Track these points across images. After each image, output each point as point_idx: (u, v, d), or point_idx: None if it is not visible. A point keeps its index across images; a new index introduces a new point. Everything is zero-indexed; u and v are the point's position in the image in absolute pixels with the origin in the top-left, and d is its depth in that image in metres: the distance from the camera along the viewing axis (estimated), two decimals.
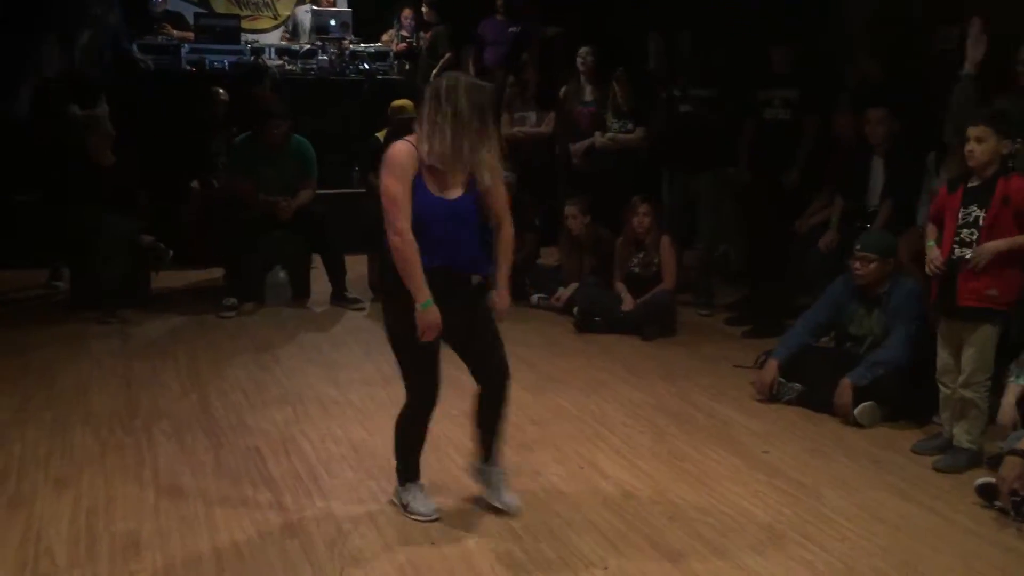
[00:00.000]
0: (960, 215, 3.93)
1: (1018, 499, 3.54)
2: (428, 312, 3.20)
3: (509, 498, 3.56)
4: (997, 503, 3.60)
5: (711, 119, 6.32)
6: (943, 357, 4.09)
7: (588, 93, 7.37)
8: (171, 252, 6.42)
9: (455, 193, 3.29)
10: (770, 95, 6.24)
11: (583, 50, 7.37)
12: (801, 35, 6.46)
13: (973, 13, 5.99)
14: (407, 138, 3.28)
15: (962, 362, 3.98)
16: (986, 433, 4.07)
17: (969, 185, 3.93)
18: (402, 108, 6.69)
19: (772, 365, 4.78)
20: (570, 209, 6.46)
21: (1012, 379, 3.98)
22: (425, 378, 3.40)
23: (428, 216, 3.23)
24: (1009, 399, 3.91)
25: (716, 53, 6.79)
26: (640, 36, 7.38)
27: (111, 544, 3.24)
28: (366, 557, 3.21)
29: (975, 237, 3.87)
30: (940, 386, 4.13)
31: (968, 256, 3.87)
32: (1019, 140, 3.98)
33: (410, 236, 3.18)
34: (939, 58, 6.14)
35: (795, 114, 6.14)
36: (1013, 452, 3.50)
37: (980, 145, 3.83)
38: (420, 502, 3.50)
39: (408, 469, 3.53)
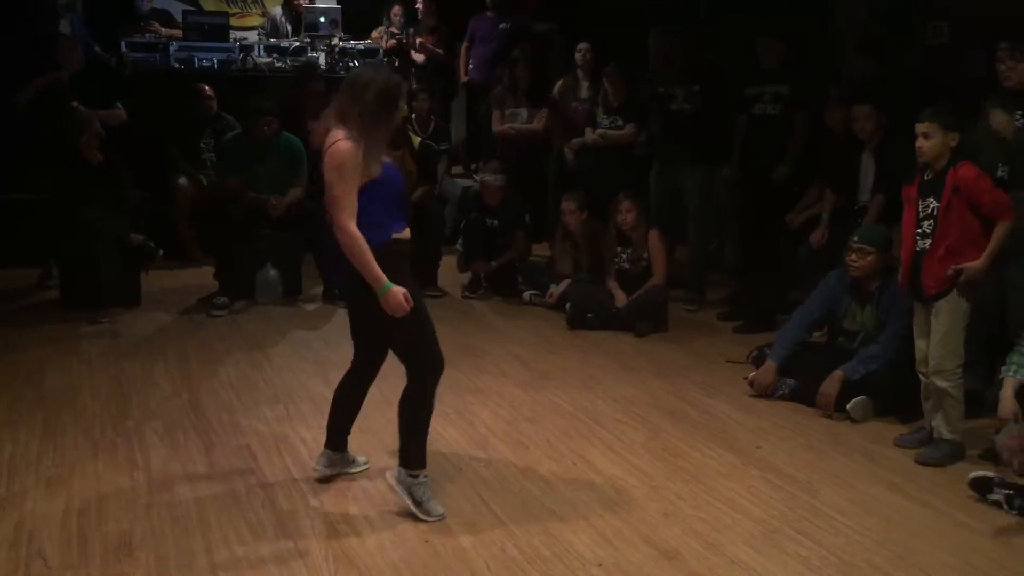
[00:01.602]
0: (920, 207, 4.04)
1: (1011, 492, 3.56)
2: (395, 288, 3.28)
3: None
4: (990, 496, 3.61)
5: (699, 116, 6.33)
6: (919, 346, 4.14)
7: (585, 90, 7.36)
8: (161, 251, 6.38)
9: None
10: (760, 90, 6.23)
11: (582, 45, 7.36)
12: (792, 29, 6.45)
13: (962, 9, 6.03)
14: (342, 137, 3.30)
15: (930, 348, 4.03)
16: (965, 423, 4.11)
17: (925, 178, 4.04)
18: None
19: (770, 367, 4.78)
20: (567, 204, 6.45)
21: (1009, 373, 3.99)
22: (430, 347, 3.44)
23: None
24: (1007, 392, 3.91)
25: (703, 50, 6.80)
26: (632, 32, 7.39)
27: (103, 545, 3.22)
28: (360, 556, 3.19)
29: (933, 228, 3.96)
30: (920, 375, 4.15)
31: (928, 247, 3.97)
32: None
33: (355, 230, 3.25)
34: (931, 53, 6.17)
35: (785, 109, 6.13)
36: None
37: (928, 140, 3.94)
38: (433, 504, 3.47)
39: (421, 453, 3.48)
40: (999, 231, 3.92)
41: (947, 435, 4.05)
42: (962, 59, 5.88)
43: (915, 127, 3.98)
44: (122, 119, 6.98)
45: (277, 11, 9.31)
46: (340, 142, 3.29)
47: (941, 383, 4.01)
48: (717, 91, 6.34)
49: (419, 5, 9.17)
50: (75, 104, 6.64)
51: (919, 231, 4.04)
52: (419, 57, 9.15)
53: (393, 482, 3.53)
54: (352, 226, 3.26)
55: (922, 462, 4.02)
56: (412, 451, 3.48)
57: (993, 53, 4.55)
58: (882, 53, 6.14)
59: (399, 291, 3.28)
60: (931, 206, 3.99)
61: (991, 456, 3.94)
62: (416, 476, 3.47)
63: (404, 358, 3.49)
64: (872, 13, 6.96)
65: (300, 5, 9.26)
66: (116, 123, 6.87)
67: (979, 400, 4.49)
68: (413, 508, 3.44)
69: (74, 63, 6.91)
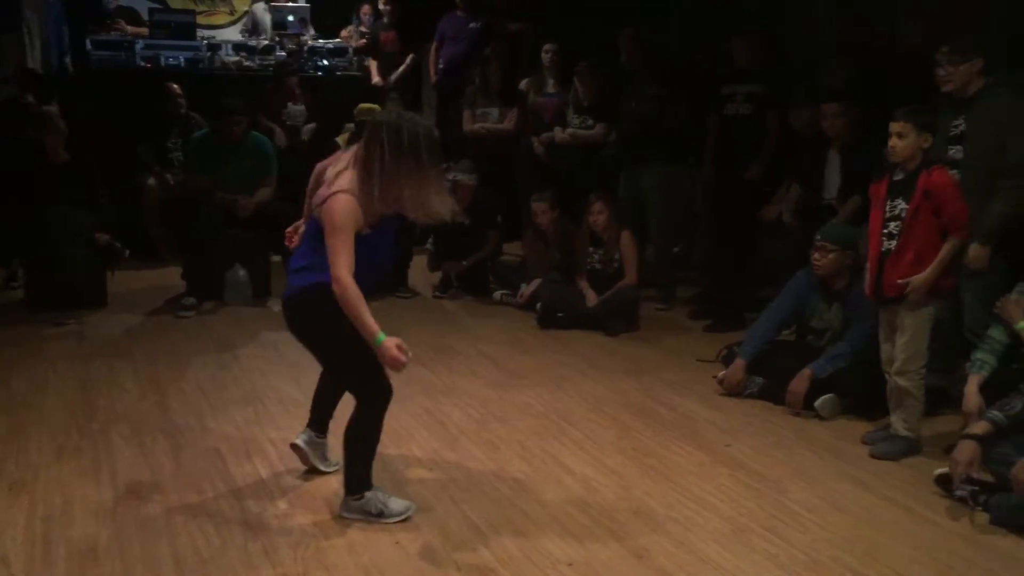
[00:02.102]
0: (887, 208, 4.02)
1: (976, 488, 3.60)
2: (387, 342, 3.18)
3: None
4: (956, 492, 3.65)
5: (660, 117, 6.38)
6: (884, 347, 4.17)
7: (551, 85, 7.37)
8: (128, 251, 6.31)
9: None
10: (733, 90, 6.26)
11: (549, 46, 7.38)
12: (765, 29, 6.49)
13: (936, 6, 6.07)
14: (347, 189, 3.22)
15: (895, 349, 4.07)
16: (928, 419, 4.21)
17: (895, 178, 4.01)
18: (371, 111, 6.64)
19: (740, 366, 4.81)
20: (538, 204, 6.45)
21: (973, 370, 4.04)
22: (377, 376, 3.35)
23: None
24: (972, 388, 3.97)
25: (669, 51, 6.85)
26: (603, 31, 7.40)
27: (68, 550, 3.18)
28: (330, 559, 3.17)
29: (900, 230, 3.96)
30: (887, 376, 4.19)
31: (893, 248, 3.97)
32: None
33: (351, 281, 3.17)
34: (902, 52, 6.22)
35: (757, 110, 6.17)
36: (967, 436, 3.55)
37: (902, 140, 3.90)
38: (393, 502, 3.45)
39: (366, 478, 3.44)
40: (949, 246, 3.91)
41: (903, 432, 4.10)
42: (935, 60, 5.94)
43: (889, 126, 3.96)
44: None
45: (259, 7, 9.20)
46: (342, 197, 3.21)
47: (903, 382, 4.05)
48: (680, 92, 6.39)
49: (383, 5, 9.10)
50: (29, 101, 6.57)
51: (885, 231, 4.03)
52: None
53: (346, 514, 3.44)
54: (347, 278, 3.17)
55: (877, 456, 4.08)
56: (356, 477, 3.43)
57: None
58: (858, 56, 6.21)
59: (392, 343, 3.19)
60: (899, 207, 3.98)
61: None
62: (362, 497, 3.42)
63: (352, 388, 3.46)
64: (844, 14, 7.02)
65: None
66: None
67: (944, 397, 4.55)
68: (378, 521, 3.40)
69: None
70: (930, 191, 3.88)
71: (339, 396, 3.76)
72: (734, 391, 4.81)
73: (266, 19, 9.02)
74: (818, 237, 4.71)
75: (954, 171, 4.38)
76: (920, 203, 3.90)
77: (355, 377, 3.42)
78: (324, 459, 3.82)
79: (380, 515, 3.40)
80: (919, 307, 3.98)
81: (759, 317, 5.04)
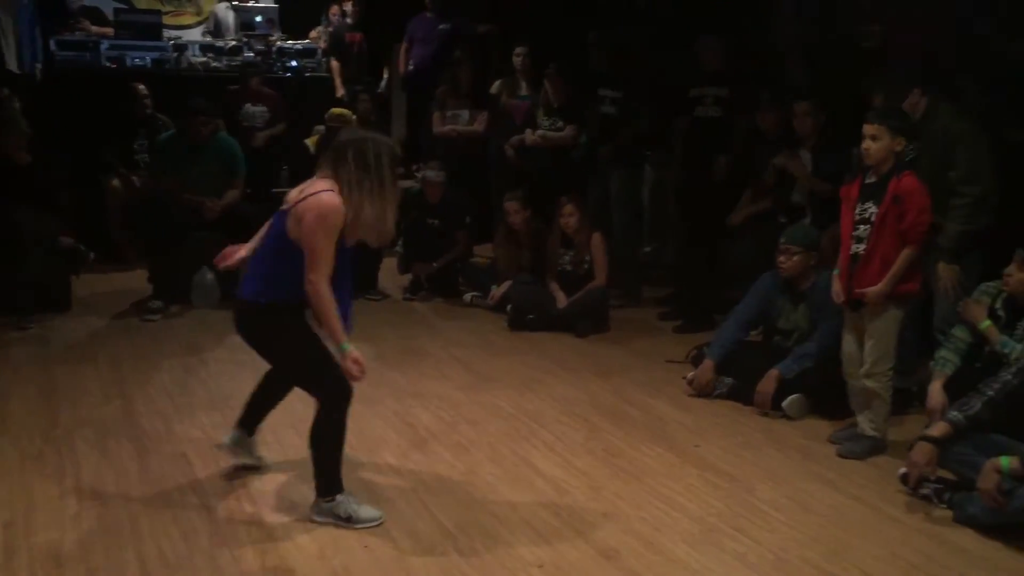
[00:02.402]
0: (857, 210, 4.02)
1: (939, 486, 3.64)
2: (351, 351, 3.23)
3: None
4: (920, 491, 3.69)
5: (622, 119, 6.43)
6: (848, 348, 4.19)
7: (523, 88, 7.38)
8: (92, 254, 6.23)
9: None
10: (702, 92, 6.30)
11: (520, 49, 7.38)
12: (731, 32, 6.54)
13: (895, 11, 6.16)
14: (331, 189, 3.25)
15: (864, 352, 4.10)
16: (894, 419, 4.24)
17: (867, 181, 4.02)
18: (343, 117, 6.60)
19: (708, 366, 4.84)
20: (510, 204, 6.44)
21: (937, 368, 4.09)
22: (334, 375, 3.34)
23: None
24: (935, 386, 4.02)
25: (637, 54, 6.90)
26: (573, 33, 7.43)
27: (31, 557, 3.13)
28: (298, 564, 3.15)
29: (868, 234, 3.97)
30: (847, 378, 4.22)
31: (862, 251, 3.98)
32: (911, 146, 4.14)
33: (326, 289, 3.21)
34: (863, 54, 6.29)
35: (726, 112, 6.21)
36: (924, 438, 3.59)
37: (875, 143, 3.90)
38: (364, 509, 3.43)
39: (336, 479, 3.42)
40: (904, 255, 3.91)
41: (870, 432, 4.15)
42: (894, 63, 6.02)
43: (863, 128, 3.96)
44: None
45: (220, 6, 9.12)
46: (328, 193, 3.23)
47: (871, 384, 4.09)
48: (645, 95, 6.45)
49: (348, 5, 9.06)
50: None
51: (855, 234, 4.04)
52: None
53: (317, 518, 3.41)
54: (323, 284, 3.20)
55: (844, 455, 4.12)
56: (326, 479, 3.41)
57: (927, 57, 4.63)
58: (815, 60, 6.28)
59: (356, 354, 3.24)
60: (869, 211, 3.98)
61: None
62: (333, 500, 3.40)
63: (311, 390, 3.44)
64: (803, 17, 7.10)
65: None
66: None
67: (907, 397, 4.61)
68: (347, 526, 3.38)
69: None
70: (899, 196, 3.88)
71: (278, 401, 3.76)
72: (703, 392, 4.84)
73: (229, 19, 8.94)
74: (782, 240, 4.75)
75: None
76: (889, 208, 3.90)
77: (314, 380, 3.41)
78: (253, 455, 3.83)
79: (349, 519, 3.38)
80: (884, 312, 4.02)
81: (726, 318, 5.07)
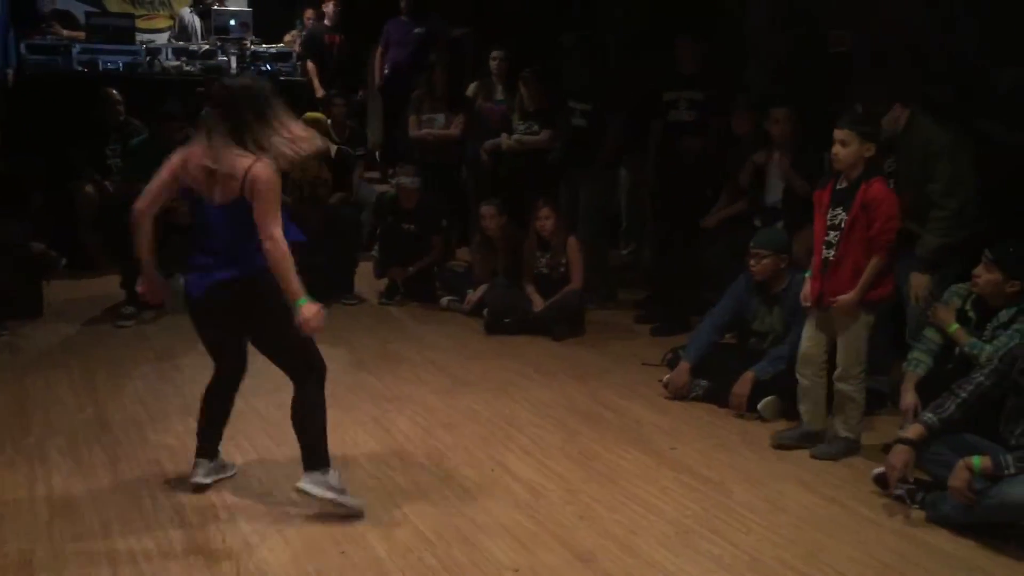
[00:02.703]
0: (828, 216, 4.03)
1: (912, 486, 3.68)
2: (311, 304, 3.33)
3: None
4: (894, 491, 3.72)
5: (591, 127, 6.48)
6: (807, 348, 4.19)
7: (499, 92, 7.39)
8: (64, 259, 6.17)
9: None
10: (676, 96, 6.34)
11: (496, 53, 7.39)
12: (704, 36, 6.59)
13: (866, 17, 6.24)
14: (255, 158, 3.35)
15: (837, 356, 4.11)
16: (867, 419, 4.28)
17: (838, 186, 4.02)
18: (318, 122, 6.58)
19: (684, 368, 4.86)
20: (486, 209, 6.44)
21: (910, 368, 4.13)
22: (311, 351, 3.52)
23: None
24: (908, 386, 4.06)
25: (603, 65, 6.93)
26: (549, 38, 7.46)
27: (2, 567, 3.09)
28: (274, 570, 3.13)
29: (838, 240, 3.97)
30: (799, 376, 4.22)
31: (832, 257, 3.99)
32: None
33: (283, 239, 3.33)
34: (834, 60, 6.35)
35: (700, 116, 6.25)
36: (900, 440, 3.62)
37: (844, 148, 3.90)
38: (351, 497, 3.51)
39: (324, 453, 3.49)
40: (871, 264, 3.92)
41: (843, 433, 4.17)
42: (864, 67, 6.09)
43: (833, 133, 3.97)
44: None
45: (185, 11, 9.06)
46: (260, 163, 3.34)
47: (845, 387, 4.12)
48: (613, 105, 6.49)
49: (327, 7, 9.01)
50: None
51: (826, 239, 4.04)
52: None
53: (307, 487, 3.44)
54: (281, 236, 3.31)
55: (817, 456, 4.15)
56: (316, 453, 3.48)
57: (895, 62, 4.66)
58: (779, 64, 6.33)
59: (315, 306, 3.33)
60: (839, 217, 3.99)
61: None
62: (326, 472, 3.47)
63: (287, 366, 3.55)
64: (774, 22, 7.15)
65: None
66: None
67: (879, 398, 4.65)
68: (333, 498, 3.43)
69: None
70: (867, 203, 3.89)
71: (228, 414, 3.79)
72: (679, 394, 4.85)
73: (195, 23, 8.88)
74: (752, 244, 4.78)
75: None
76: (857, 215, 3.91)
77: (287, 356, 3.53)
78: (225, 468, 3.83)
79: (342, 492, 3.46)
80: (855, 318, 4.04)
81: (702, 321, 5.10)
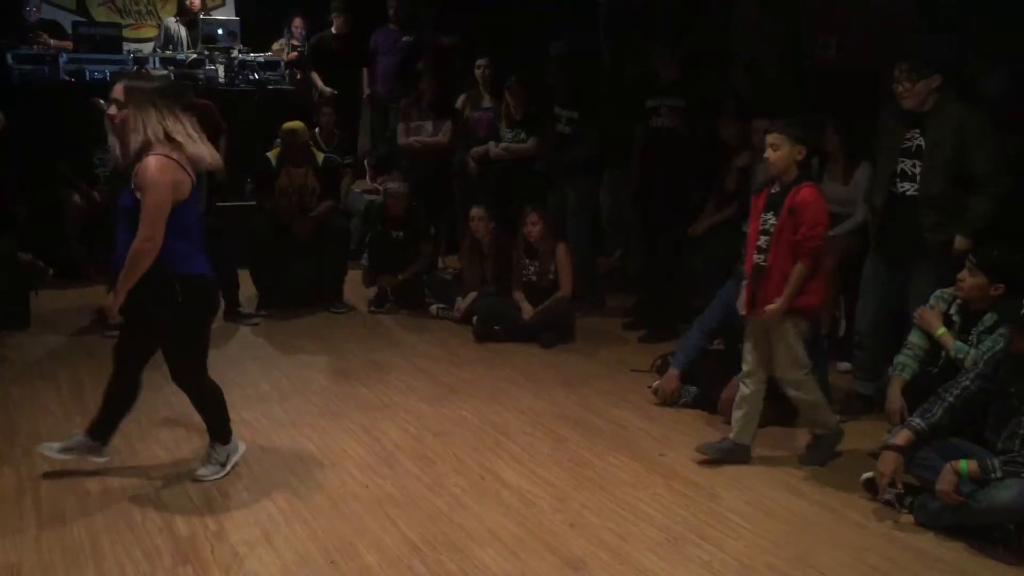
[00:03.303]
0: (761, 220, 3.96)
1: (901, 491, 3.69)
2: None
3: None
4: (883, 496, 3.73)
5: (576, 135, 6.52)
6: (747, 358, 4.09)
7: (487, 100, 7.40)
8: (51, 270, 6.14)
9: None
10: (659, 103, 6.36)
11: (481, 61, 7.40)
12: (688, 44, 6.62)
13: (850, 23, 6.29)
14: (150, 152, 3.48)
15: (774, 364, 4.03)
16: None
17: (772, 191, 3.96)
18: (294, 131, 6.57)
19: (673, 375, 4.87)
20: (476, 211, 6.44)
21: (895, 373, 4.15)
22: (201, 370, 3.85)
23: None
24: (894, 390, 4.07)
25: (593, 71, 6.96)
26: (533, 46, 7.48)
27: None
28: None
29: (768, 245, 3.90)
30: (740, 384, 4.12)
31: (763, 263, 3.91)
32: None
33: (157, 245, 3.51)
34: (819, 66, 6.40)
35: (682, 122, 6.27)
36: (888, 447, 3.64)
37: (775, 152, 3.85)
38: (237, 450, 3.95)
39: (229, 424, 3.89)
40: (797, 271, 3.84)
41: (819, 431, 4.17)
42: (849, 74, 6.13)
43: (765, 138, 3.94)
44: (1, 124, 6.67)
45: (170, 20, 9.04)
46: (150, 156, 3.45)
47: (793, 393, 4.06)
48: (593, 113, 6.53)
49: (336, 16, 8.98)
50: None
51: (757, 244, 3.96)
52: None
53: (215, 453, 3.86)
54: (158, 239, 3.48)
55: (805, 462, 4.15)
56: (225, 427, 3.90)
57: (880, 68, 4.68)
58: (759, 73, 6.36)
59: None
60: (770, 221, 3.91)
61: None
62: (230, 443, 3.90)
63: (176, 370, 3.79)
64: (759, 30, 7.20)
65: (193, 5, 8.97)
66: None
67: (868, 403, 4.67)
68: (215, 469, 3.83)
69: None
70: (794, 208, 3.81)
71: (131, 404, 3.95)
72: (668, 401, 4.86)
73: (181, 32, 8.86)
74: (743, 248, 4.80)
75: (906, 184, 4.49)
76: (785, 220, 3.84)
77: (182, 364, 3.76)
78: (100, 452, 3.93)
79: (225, 463, 3.89)
80: (783, 326, 3.94)
81: (691, 327, 5.11)
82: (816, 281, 3.93)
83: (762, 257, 3.93)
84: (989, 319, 3.93)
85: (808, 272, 3.86)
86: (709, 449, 4.16)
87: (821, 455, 4.16)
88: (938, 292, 4.18)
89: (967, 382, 3.65)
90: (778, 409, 4.62)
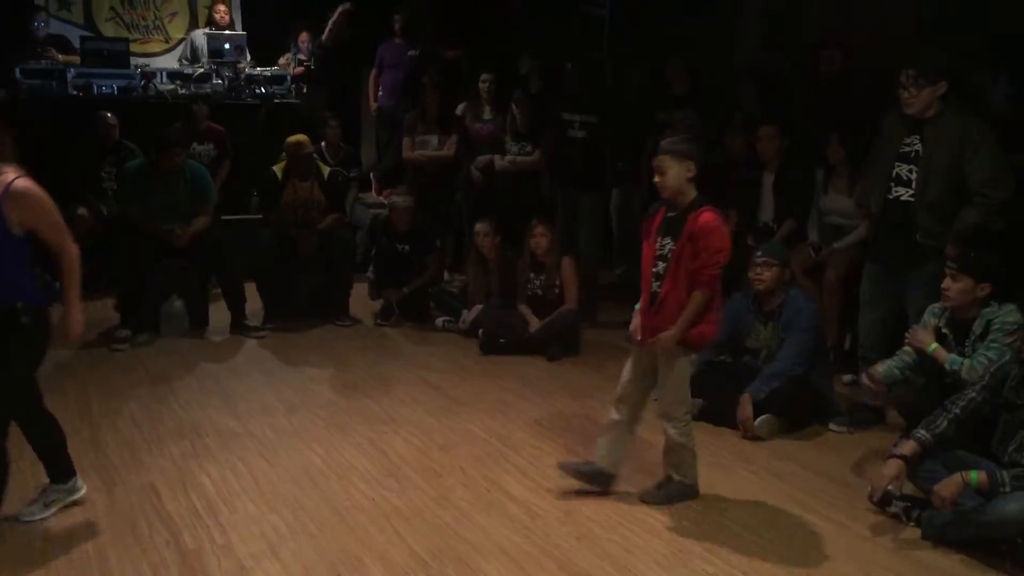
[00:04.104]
0: (657, 246, 3.72)
1: (907, 504, 3.69)
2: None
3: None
4: (889, 509, 3.73)
5: (594, 143, 6.50)
6: (625, 384, 3.86)
7: (488, 113, 7.42)
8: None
9: None
10: (670, 116, 6.39)
11: (485, 76, 7.42)
12: (696, 57, 6.66)
13: (855, 35, 6.30)
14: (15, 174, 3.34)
15: (657, 394, 3.83)
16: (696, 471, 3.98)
17: (668, 214, 3.71)
18: (299, 144, 6.60)
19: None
20: (481, 226, 6.45)
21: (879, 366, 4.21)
22: (14, 409, 3.54)
23: None
24: (873, 369, 4.20)
25: (602, 80, 6.96)
26: (541, 59, 7.52)
27: None
28: None
29: (666, 271, 3.66)
30: (611, 409, 3.90)
31: (659, 291, 3.68)
32: None
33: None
34: (824, 79, 6.41)
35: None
36: (893, 455, 3.65)
37: (664, 176, 3.63)
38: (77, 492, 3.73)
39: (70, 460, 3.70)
40: (693, 300, 3.59)
41: (676, 476, 3.87)
42: (855, 86, 6.14)
43: (652, 163, 3.70)
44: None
45: (198, 33, 9.09)
46: (21, 179, 3.33)
47: (670, 429, 3.80)
48: (609, 120, 6.52)
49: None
50: None
51: (654, 270, 3.71)
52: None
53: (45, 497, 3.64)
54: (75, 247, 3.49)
55: (647, 501, 3.85)
56: (64, 466, 3.72)
57: (885, 79, 4.70)
58: (765, 83, 6.38)
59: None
60: (667, 247, 3.67)
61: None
62: (71, 481, 3.72)
63: (25, 392, 3.56)
64: (765, 41, 7.23)
65: (222, 20, 9.02)
66: None
67: (878, 416, 4.68)
68: (37, 509, 3.60)
69: None
70: (694, 234, 3.56)
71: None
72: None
73: (204, 44, 8.92)
74: (759, 254, 4.82)
75: (901, 189, 4.51)
76: (684, 246, 3.59)
77: (26, 379, 3.55)
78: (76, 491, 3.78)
79: (73, 492, 3.72)
80: (675, 359, 3.72)
81: None
82: (712, 312, 3.68)
83: (658, 284, 3.68)
84: (979, 327, 3.98)
85: (705, 301, 3.61)
86: (569, 467, 3.96)
87: (662, 497, 3.83)
88: (930, 308, 4.20)
89: (973, 394, 3.65)
90: (785, 421, 4.64)
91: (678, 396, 3.78)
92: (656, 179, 3.67)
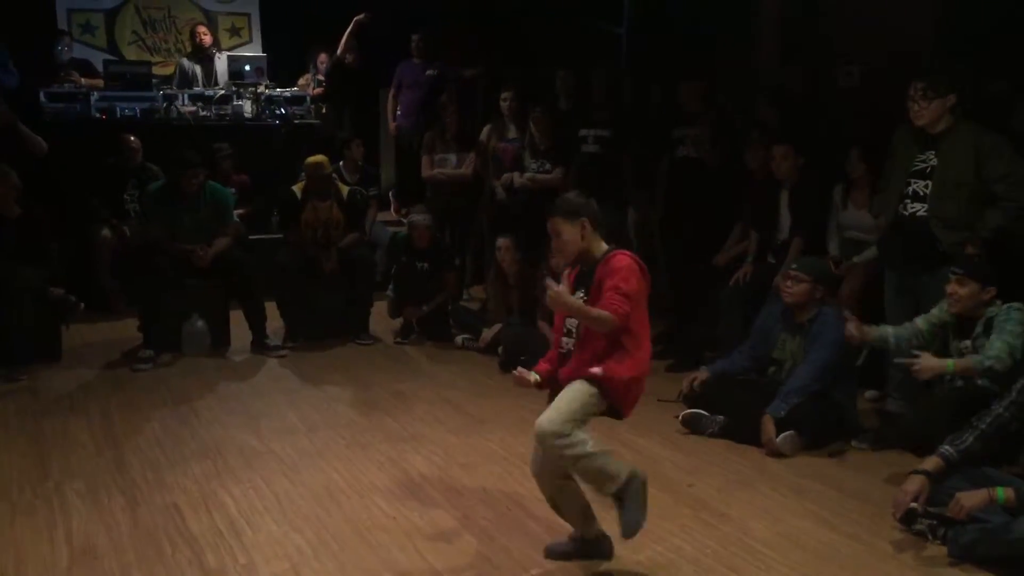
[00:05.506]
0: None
1: (934, 521, 3.65)
2: None
3: None
4: (915, 527, 3.69)
5: (610, 158, 6.52)
6: (535, 452, 3.43)
7: (512, 131, 7.44)
8: (82, 304, 6.22)
9: None
10: (683, 133, 6.39)
11: (505, 94, 7.46)
12: (711, 73, 6.66)
13: (872, 51, 6.29)
14: None
15: (546, 412, 3.23)
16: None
17: (582, 269, 3.39)
18: (318, 165, 6.65)
19: (703, 374, 4.98)
20: (503, 241, 6.45)
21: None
22: None
23: None
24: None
25: (619, 95, 6.97)
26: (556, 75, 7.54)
27: None
28: None
29: (577, 328, 3.33)
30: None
31: (571, 347, 3.34)
32: None
33: None
34: (843, 95, 6.41)
35: (706, 151, 6.29)
36: (918, 471, 3.63)
37: (560, 238, 3.31)
38: None
39: None
40: (600, 312, 3.13)
41: (613, 490, 3.29)
42: (873, 102, 6.13)
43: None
44: (43, 149, 6.79)
45: (184, 61, 9.14)
46: None
47: (565, 453, 3.20)
48: (624, 134, 6.54)
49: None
50: None
51: (566, 328, 3.39)
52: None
53: None
54: None
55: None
56: None
57: (903, 95, 4.70)
58: (784, 102, 6.38)
59: None
60: (580, 299, 3.26)
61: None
62: None
63: None
64: (784, 58, 7.22)
65: (204, 42, 9.09)
66: (37, 151, 6.70)
67: (903, 433, 4.64)
68: None
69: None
70: (603, 276, 3.23)
71: None
72: (690, 385, 4.96)
73: (196, 70, 8.98)
74: (793, 267, 4.82)
75: (916, 204, 4.51)
76: (596, 295, 3.22)
77: None
78: None
79: None
80: (579, 384, 3.23)
81: (729, 353, 5.11)
82: (631, 358, 3.23)
83: (570, 341, 3.35)
84: (980, 327, 4.00)
85: (608, 323, 3.14)
86: (557, 553, 3.52)
87: (632, 524, 3.27)
88: (926, 324, 4.23)
89: (1000, 410, 3.62)
90: (808, 438, 4.61)
91: (567, 415, 3.17)
92: (552, 244, 3.38)
